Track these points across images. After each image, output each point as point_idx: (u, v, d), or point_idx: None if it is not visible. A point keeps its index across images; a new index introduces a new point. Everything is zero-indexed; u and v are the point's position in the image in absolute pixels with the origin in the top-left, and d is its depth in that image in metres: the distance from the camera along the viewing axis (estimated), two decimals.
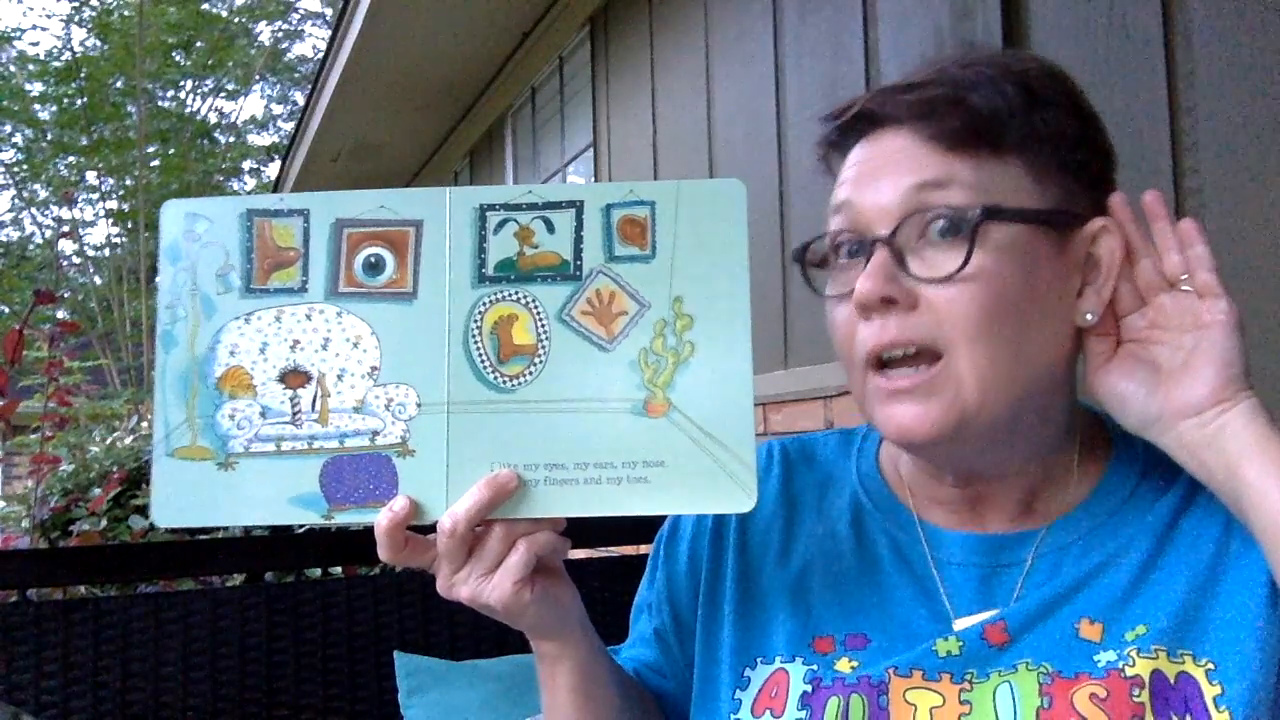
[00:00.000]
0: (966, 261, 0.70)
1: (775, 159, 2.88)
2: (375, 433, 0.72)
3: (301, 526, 2.15)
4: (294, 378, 0.73)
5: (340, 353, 0.73)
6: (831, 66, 2.63)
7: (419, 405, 0.72)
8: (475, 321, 0.73)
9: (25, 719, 1.55)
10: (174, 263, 0.75)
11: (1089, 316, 0.75)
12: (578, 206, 0.74)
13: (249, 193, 17.78)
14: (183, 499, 0.73)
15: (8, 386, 2.58)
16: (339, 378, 0.73)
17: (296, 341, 0.74)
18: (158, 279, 0.76)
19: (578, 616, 0.80)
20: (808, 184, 2.73)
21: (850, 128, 0.79)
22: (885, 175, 0.74)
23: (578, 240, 0.73)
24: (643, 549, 0.90)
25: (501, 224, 0.73)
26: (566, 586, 0.79)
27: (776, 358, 2.83)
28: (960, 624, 0.76)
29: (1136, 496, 0.78)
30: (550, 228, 0.73)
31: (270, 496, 0.72)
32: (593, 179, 4.26)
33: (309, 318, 0.74)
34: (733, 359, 0.72)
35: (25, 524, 3.32)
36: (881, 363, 0.73)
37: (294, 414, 0.73)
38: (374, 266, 0.74)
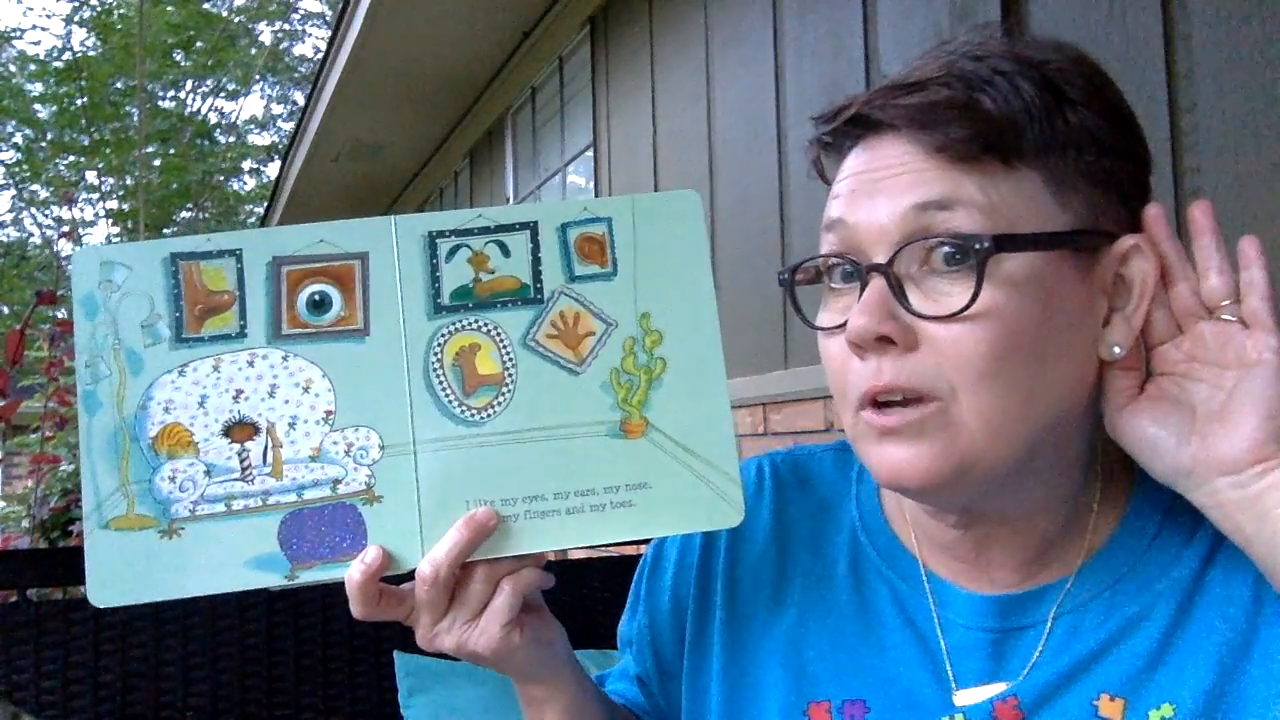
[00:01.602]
0: (974, 299, 0.62)
1: (775, 159, 2.88)
2: (337, 481, 0.68)
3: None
4: (240, 430, 0.68)
5: (290, 399, 0.68)
6: (831, 67, 2.63)
7: (382, 448, 0.68)
8: (435, 354, 0.69)
9: (25, 719, 1.55)
10: (91, 316, 0.68)
11: (1116, 349, 0.65)
12: (531, 228, 0.70)
13: (249, 193, 17.77)
14: (123, 575, 0.66)
15: (8, 386, 2.58)
16: (291, 426, 0.68)
17: (240, 391, 0.68)
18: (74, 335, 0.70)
19: (565, 655, 0.76)
20: (808, 184, 2.73)
21: (844, 132, 0.70)
22: (882, 192, 0.65)
23: (535, 262, 0.70)
24: (643, 548, 0.88)
25: (453, 251, 0.70)
26: (552, 624, 0.74)
27: (776, 358, 2.83)
28: (963, 697, 0.69)
29: (1161, 539, 0.70)
30: (505, 251, 0.70)
31: (224, 562, 0.67)
32: (593, 179, 4.26)
33: (251, 364, 0.68)
34: (706, 371, 0.70)
35: (25, 524, 3.33)
36: (876, 402, 0.65)
37: (243, 469, 0.67)
38: (319, 305, 0.69)
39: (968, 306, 0.62)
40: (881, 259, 0.65)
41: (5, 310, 14.93)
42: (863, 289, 0.65)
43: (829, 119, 0.70)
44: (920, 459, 0.63)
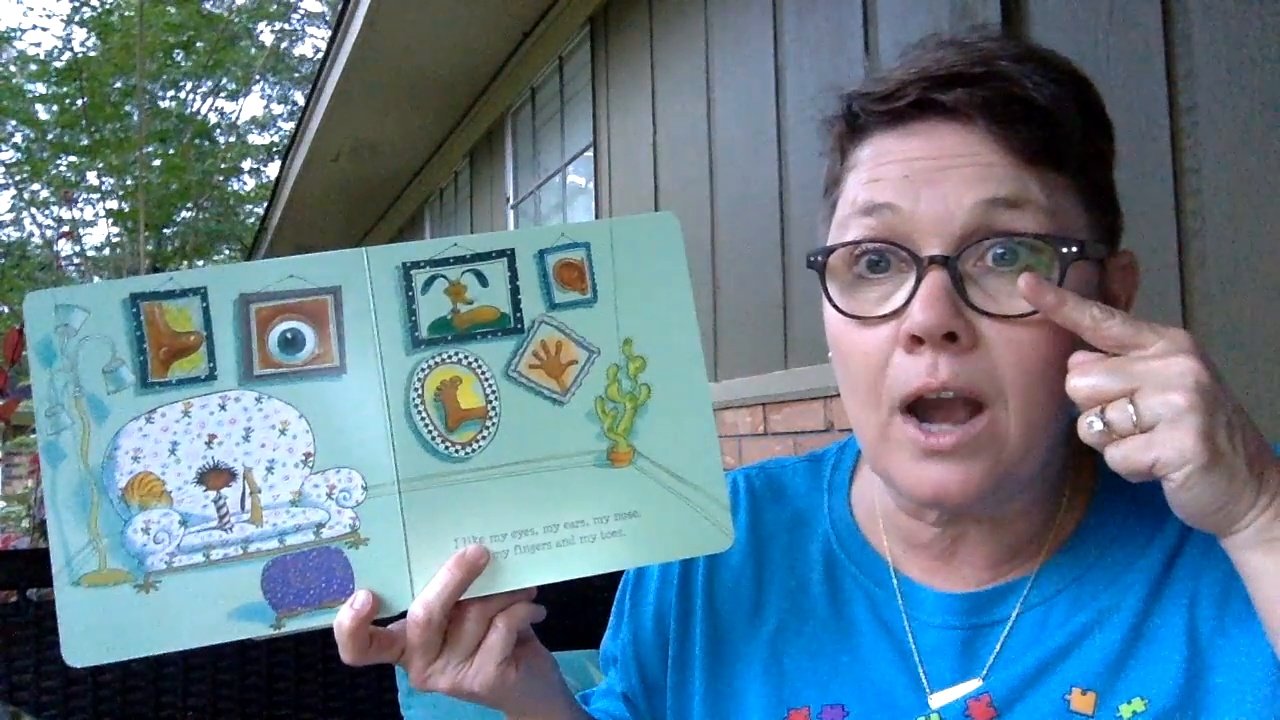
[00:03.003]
0: None
1: (775, 159, 2.88)
2: (320, 525, 0.66)
3: None
4: (215, 477, 0.65)
5: (266, 442, 0.65)
6: (831, 66, 2.63)
7: (365, 488, 0.66)
8: (416, 390, 0.67)
9: (25, 719, 1.55)
10: (48, 364, 0.65)
11: None
12: (509, 255, 0.69)
13: (249, 193, 17.77)
14: (99, 632, 0.63)
15: (8, 386, 2.58)
16: (269, 470, 0.65)
17: (213, 436, 0.65)
18: (31, 383, 0.66)
19: (558, 684, 0.76)
20: (808, 184, 2.73)
21: (899, 113, 0.67)
22: (944, 182, 0.64)
23: (514, 291, 0.69)
24: None
25: (429, 282, 0.68)
26: (543, 655, 0.74)
27: (776, 358, 2.83)
28: (938, 699, 0.70)
29: (1125, 535, 0.70)
30: (483, 281, 0.68)
31: (206, 614, 0.64)
32: (593, 179, 4.26)
33: (223, 408, 0.66)
34: (691, 396, 0.69)
35: (25, 524, 3.33)
36: (915, 405, 0.64)
37: (221, 517, 0.65)
38: (291, 343, 0.66)
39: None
40: (940, 251, 0.63)
41: (5, 310, 14.94)
42: (918, 281, 0.63)
43: (884, 98, 0.67)
44: (970, 479, 0.63)
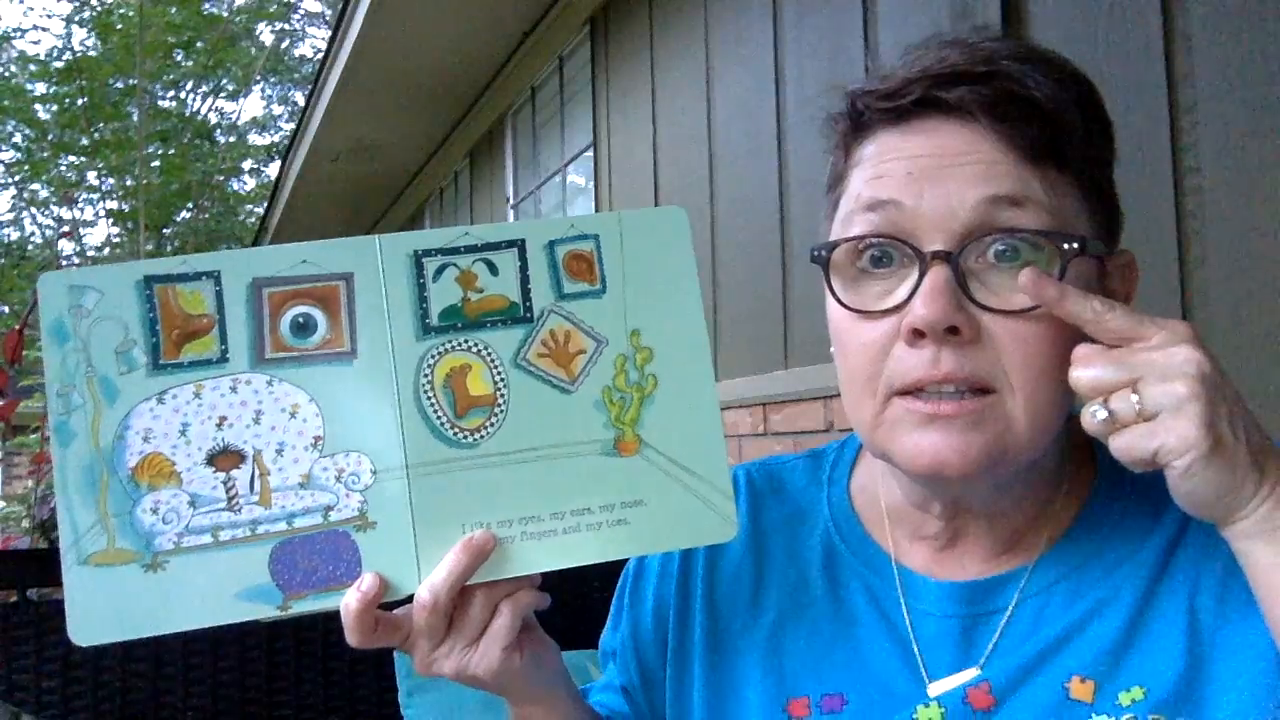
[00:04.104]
0: None
1: (775, 159, 2.87)
2: (328, 508, 0.66)
3: None
4: (225, 459, 0.66)
5: (276, 425, 0.66)
6: (831, 67, 2.63)
7: (374, 473, 0.67)
8: (425, 376, 0.68)
9: (25, 719, 1.55)
10: (61, 344, 0.65)
11: None
12: (519, 245, 0.70)
13: (249, 193, 17.77)
14: (106, 611, 0.63)
15: (8, 386, 2.58)
16: (278, 453, 0.66)
17: (223, 418, 0.66)
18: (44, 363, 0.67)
19: (560, 672, 0.76)
20: (808, 184, 2.73)
21: (903, 110, 0.68)
22: (949, 179, 0.64)
23: (524, 280, 0.70)
24: None
25: (440, 270, 0.69)
26: (547, 642, 0.75)
27: (776, 358, 2.83)
28: (937, 687, 0.70)
29: (1124, 526, 0.71)
30: (493, 270, 0.69)
31: (213, 594, 0.65)
32: (593, 179, 4.26)
33: (234, 390, 0.66)
34: (697, 387, 0.70)
35: (25, 524, 3.33)
36: (914, 391, 0.65)
37: (230, 499, 0.65)
38: (303, 327, 0.67)
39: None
40: (943, 247, 0.64)
41: (5, 310, 14.94)
42: (920, 276, 0.64)
43: (888, 96, 0.68)
44: (971, 448, 0.64)
